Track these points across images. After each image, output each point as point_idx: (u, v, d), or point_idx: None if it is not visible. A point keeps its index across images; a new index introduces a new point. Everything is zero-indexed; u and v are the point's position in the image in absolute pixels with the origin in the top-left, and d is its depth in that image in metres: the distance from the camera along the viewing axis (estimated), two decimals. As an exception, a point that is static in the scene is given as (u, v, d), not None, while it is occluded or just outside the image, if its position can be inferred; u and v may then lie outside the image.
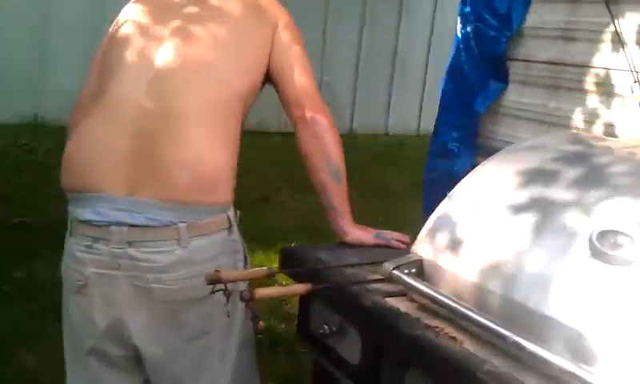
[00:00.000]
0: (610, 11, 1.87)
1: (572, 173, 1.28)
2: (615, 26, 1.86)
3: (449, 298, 1.23)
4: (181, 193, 1.46)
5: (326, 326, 1.50)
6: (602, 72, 1.94)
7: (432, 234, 1.38)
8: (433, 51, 10.94)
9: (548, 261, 1.15)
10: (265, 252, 3.82)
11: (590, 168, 1.33)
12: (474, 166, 1.68)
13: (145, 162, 1.45)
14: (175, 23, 1.57)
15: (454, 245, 1.32)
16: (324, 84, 9.90)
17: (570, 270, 1.12)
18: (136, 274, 1.46)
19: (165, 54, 1.53)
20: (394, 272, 1.34)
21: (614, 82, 1.91)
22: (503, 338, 1.09)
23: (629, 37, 1.85)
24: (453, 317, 1.20)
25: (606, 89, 1.93)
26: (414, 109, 11.12)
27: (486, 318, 1.14)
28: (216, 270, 1.30)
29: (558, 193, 1.25)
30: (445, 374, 1.13)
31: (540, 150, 1.45)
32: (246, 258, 1.60)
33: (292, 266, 1.61)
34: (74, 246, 1.50)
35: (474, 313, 1.17)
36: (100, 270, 1.47)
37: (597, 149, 1.48)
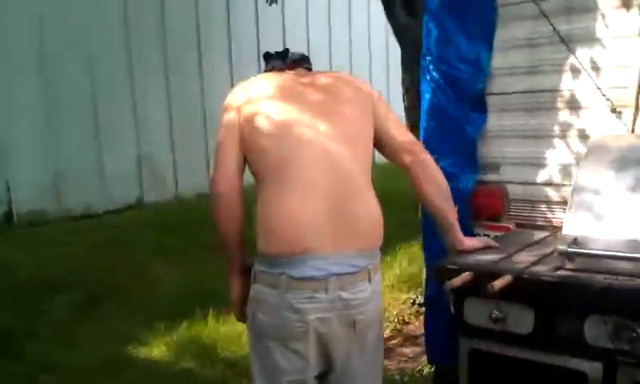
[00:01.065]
0: (567, 47, 2.60)
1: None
2: (576, 58, 2.60)
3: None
4: (368, 242, 1.91)
5: (496, 313, 1.94)
6: (566, 93, 2.67)
7: (574, 216, 1.91)
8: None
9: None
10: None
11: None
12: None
13: (340, 223, 1.86)
14: (317, 108, 1.99)
15: (595, 220, 1.87)
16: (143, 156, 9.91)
17: None
18: (344, 312, 1.85)
19: (326, 137, 1.94)
20: (569, 249, 1.85)
21: (578, 98, 2.64)
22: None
23: (585, 64, 2.59)
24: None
25: (573, 105, 2.66)
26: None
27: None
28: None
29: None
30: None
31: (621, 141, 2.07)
32: None
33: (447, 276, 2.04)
34: (292, 300, 1.82)
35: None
36: (319, 314, 1.81)
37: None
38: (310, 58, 2.25)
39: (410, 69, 5.48)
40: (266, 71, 2.17)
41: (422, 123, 3.07)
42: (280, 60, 2.17)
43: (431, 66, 3.02)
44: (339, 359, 1.92)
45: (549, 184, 2.73)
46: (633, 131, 2.45)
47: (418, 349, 4.43)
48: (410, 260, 6.40)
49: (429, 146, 2.99)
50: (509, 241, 2.43)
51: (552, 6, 2.66)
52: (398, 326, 4.93)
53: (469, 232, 2.86)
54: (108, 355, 4.53)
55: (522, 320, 1.92)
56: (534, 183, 2.76)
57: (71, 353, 4.46)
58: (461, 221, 2.82)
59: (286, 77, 2.09)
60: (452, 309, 2.09)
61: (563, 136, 2.69)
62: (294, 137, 1.92)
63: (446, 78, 2.94)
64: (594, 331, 1.80)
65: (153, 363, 4.46)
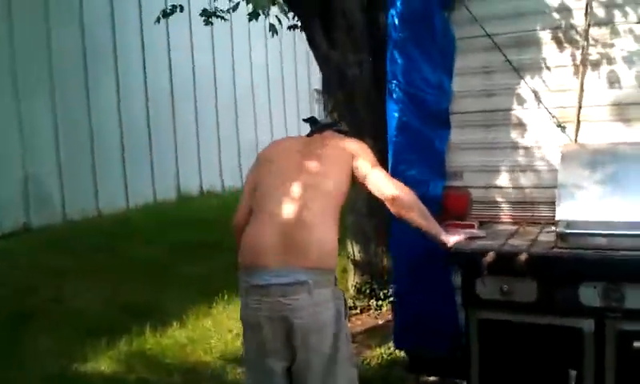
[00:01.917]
0: (519, 75, 3.19)
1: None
2: (525, 83, 3.18)
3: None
4: (312, 263, 2.48)
5: (505, 287, 2.41)
6: (518, 112, 3.24)
7: (565, 202, 2.43)
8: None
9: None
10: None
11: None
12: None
13: (290, 246, 2.47)
14: (300, 163, 2.69)
15: (585, 204, 2.41)
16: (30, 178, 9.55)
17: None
18: (282, 314, 2.44)
19: (296, 182, 2.61)
20: (566, 230, 2.36)
21: (528, 116, 3.22)
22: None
23: (533, 87, 3.18)
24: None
25: (523, 121, 3.24)
26: (119, 186, 11.37)
27: None
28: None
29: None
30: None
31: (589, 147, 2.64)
32: (345, 302, 2.63)
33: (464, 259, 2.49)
34: (249, 301, 2.51)
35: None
36: (265, 313, 2.47)
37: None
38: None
39: (332, 91, 5.98)
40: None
41: (392, 138, 3.53)
42: (312, 125, 3.03)
43: (397, 90, 3.48)
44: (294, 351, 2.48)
45: (505, 187, 3.28)
46: (576, 142, 3.06)
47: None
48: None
49: (399, 157, 3.49)
50: (491, 232, 2.93)
51: (503, 40, 3.24)
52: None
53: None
54: (56, 372, 4.50)
55: (527, 291, 2.40)
56: (493, 186, 3.31)
57: (13, 372, 4.38)
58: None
59: (297, 139, 3.06)
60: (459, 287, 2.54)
61: (516, 147, 3.26)
62: (274, 181, 2.64)
63: (413, 100, 3.42)
64: (587, 295, 2.32)
65: (106, 377, 4.50)
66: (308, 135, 2.98)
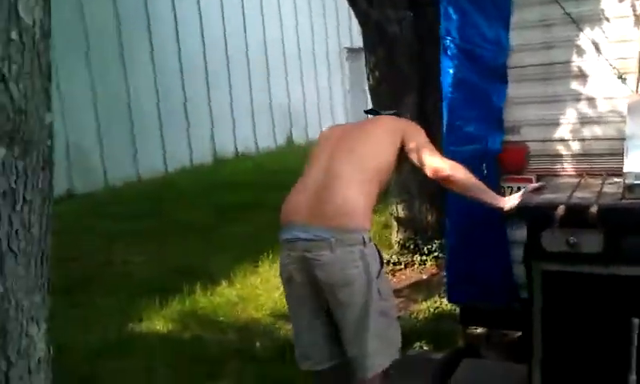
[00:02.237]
0: (578, 27, 3.16)
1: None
2: (584, 35, 3.16)
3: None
4: (335, 221, 2.62)
5: (573, 239, 2.44)
6: (577, 64, 3.22)
7: (633, 154, 2.43)
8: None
9: None
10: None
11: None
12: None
13: (316, 206, 2.68)
14: (348, 137, 2.94)
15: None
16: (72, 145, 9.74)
17: None
18: (307, 267, 2.65)
19: (338, 149, 2.86)
20: (634, 181, 2.37)
21: (587, 69, 3.20)
22: None
23: (592, 39, 3.15)
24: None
25: (582, 74, 3.22)
26: (158, 151, 11.52)
27: None
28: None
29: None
30: None
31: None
32: (381, 260, 2.76)
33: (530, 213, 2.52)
34: (282, 254, 2.77)
35: None
36: (293, 265, 2.70)
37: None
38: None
39: (373, 49, 5.96)
40: None
41: (447, 95, 3.54)
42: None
43: (452, 46, 3.48)
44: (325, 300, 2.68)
45: (563, 140, 3.28)
46: (637, 93, 3.04)
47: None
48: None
49: (455, 113, 3.50)
50: (553, 185, 2.95)
51: (562, -8, 3.21)
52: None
53: (498, 185, 3.39)
54: (114, 333, 4.67)
55: (594, 242, 2.43)
56: (550, 140, 3.31)
57: (74, 334, 4.55)
58: (490, 176, 3.34)
59: (354, 123, 3.27)
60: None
61: (574, 100, 3.25)
62: (319, 152, 2.90)
63: (469, 56, 3.42)
64: (654, 243, 2.35)
65: (162, 335, 4.66)
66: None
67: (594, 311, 2.48)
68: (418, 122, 5.69)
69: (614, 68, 3.12)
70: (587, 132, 3.23)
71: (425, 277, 5.30)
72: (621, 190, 2.70)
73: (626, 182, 2.38)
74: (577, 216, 2.38)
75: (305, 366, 2.85)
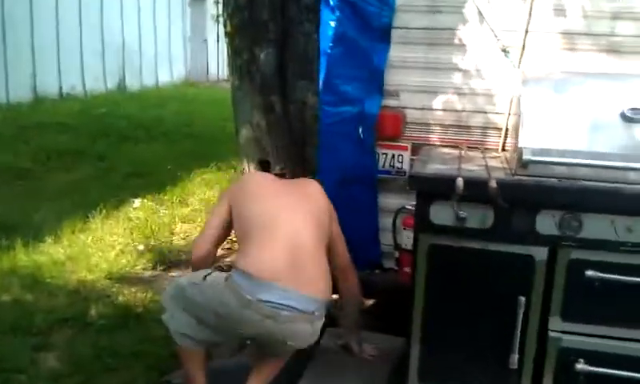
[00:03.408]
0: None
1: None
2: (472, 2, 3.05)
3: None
4: (320, 293, 2.61)
5: (462, 213, 2.33)
6: (462, 32, 3.11)
7: (528, 130, 2.36)
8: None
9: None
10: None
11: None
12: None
13: (294, 270, 2.55)
14: (291, 195, 2.83)
15: (547, 132, 2.35)
16: None
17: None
18: (278, 336, 2.57)
19: (294, 211, 2.73)
20: (532, 157, 2.29)
21: (472, 38, 3.10)
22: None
23: (483, 7, 3.06)
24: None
25: (467, 43, 3.12)
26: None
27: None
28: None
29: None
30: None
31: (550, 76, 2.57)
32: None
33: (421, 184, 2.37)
34: (252, 311, 2.50)
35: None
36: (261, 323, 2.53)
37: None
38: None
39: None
40: None
41: (325, 50, 3.29)
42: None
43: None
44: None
45: (442, 110, 3.18)
46: (519, 68, 3.00)
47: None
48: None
49: (334, 70, 3.27)
50: (430, 155, 2.83)
51: (450, -45, 3.07)
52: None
53: (373, 152, 3.23)
54: None
55: (484, 218, 2.33)
56: (429, 108, 3.19)
57: None
58: (366, 140, 3.18)
59: (272, 177, 3.05)
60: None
61: (457, 69, 3.15)
62: (270, 209, 2.70)
63: (354, 10, 3.18)
64: (544, 223, 2.29)
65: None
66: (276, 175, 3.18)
67: (479, 288, 2.39)
68: (277, 78, 5.47)
69: (499, 40, 3.07)
70: (467, 104, 3.16)
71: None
72: (506, 165, 2.66)
73: (524, 158, 2.30)
74: (472, 190, 2.26)
75: (185, 345, 2.74)
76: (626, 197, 2.22)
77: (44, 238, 4.94)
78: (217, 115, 11.35)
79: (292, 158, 5.46)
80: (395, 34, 3.19)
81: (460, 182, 2.24)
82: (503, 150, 3.08)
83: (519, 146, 2.36)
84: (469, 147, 3.08)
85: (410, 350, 2.49)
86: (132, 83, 13.97)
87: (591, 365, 2.27)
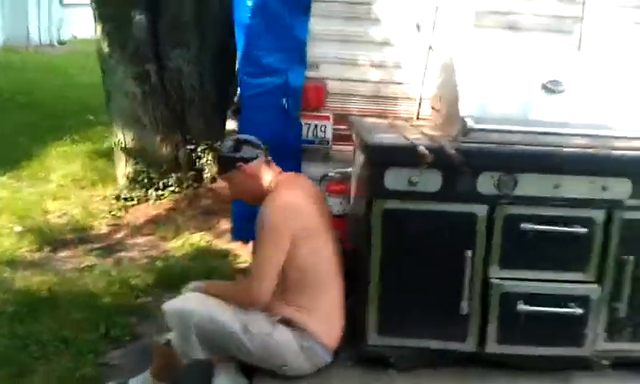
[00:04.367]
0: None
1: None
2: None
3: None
4: None
5: (414, 179, 2.56)
6: (380, 8, 3.29)
7: (467, 99, 2.62)
8: None
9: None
10: None
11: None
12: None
13: None
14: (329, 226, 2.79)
15: (483, 101, 2.64)
16: None
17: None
18: None
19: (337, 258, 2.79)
20: (475, 125, 2.55)
21: (387, 12, 3.29)
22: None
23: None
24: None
25: (383, 17, 3.31)
26: None
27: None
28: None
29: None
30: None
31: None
32: None
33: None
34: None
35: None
36: None
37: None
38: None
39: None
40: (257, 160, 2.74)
41: (243, 20, 3.30)
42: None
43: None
44: None
45: (360, 81, 3.36)
46: (430, 48, 3.27)
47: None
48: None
49: (255, 42, 3.31)
50: (364, 125, 3.00)
51: None
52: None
53: (297, 122, 3.33)
54: None
55: (432, 181, 2.57)
56: (349, 80, 3.35)
57: None
58: (291, 111, 3.30)
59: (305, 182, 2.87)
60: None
61: (374, 42, 3.33)
62: (327, 254, 2.69)
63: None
64: (484, 183, 2.58)
65: None
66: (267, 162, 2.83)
67: (429, 245, 2.63)
68: (151, 46, 5.29)
69: (412, 16, 3.30)
70: (382, 75, 3.37)
71: (163, 212, 4.97)
72: (438, 133, 2.91)
73: (468, 126, 2.55)
74: (417, 156, 2.49)
75: None
76: (554, 158, 2.57)
77: None
78: (54, 83, 10.58)
79: (171, 127, 5.38)
80: (315, 7, 3.29)
81: (424, 149, 2.45)
82: (418, 118, 3.34)
83: (460, 114, 2.62)
84: (384, 116, 3.30)
85: (368, 307, 2.68)
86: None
87: (529, 305, 2.62)
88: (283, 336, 2.56)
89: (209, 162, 5.31)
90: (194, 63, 5.37)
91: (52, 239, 4.46)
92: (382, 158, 2.57)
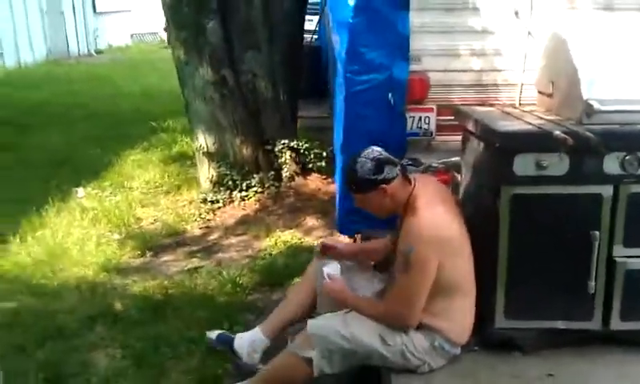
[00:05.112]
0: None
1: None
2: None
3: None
4: None
5: (545, 163, 2.62)
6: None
7: (588, 83, 2.68)
8: None
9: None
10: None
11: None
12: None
13: None
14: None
15: (604, 84, 2.69)
16: None
17: None
18: None
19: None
20: (600, 107, 2.61)
21: (486, 4, 3.36)
22: None
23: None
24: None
25: (481, 6, 3.37)
26: None
27: None
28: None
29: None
30: None
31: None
32: None
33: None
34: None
35: None
36: None
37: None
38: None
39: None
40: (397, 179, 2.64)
41: (347, 20, 3.39)
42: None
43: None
44: None
45: (462, 71, 3.43)
46: (529, 33, 3.32)
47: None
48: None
49: (358, 39, 3.40)
50: (480, 114, 3.07)
51: None
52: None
53: (403, 116, 3.41)
54: None
55: (560, 165, 2.63)
56: (450, 71, 3.43)
57: None
58: (397, 105, 3.37)
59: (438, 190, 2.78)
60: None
61: (474, 31, 3.41)
62: (466, 264, 2.68)
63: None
64: (610, 164, 2.64)
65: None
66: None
67: (556, 228, 2.69)
68: (225, 50, 5.39)
69: (510, 2, 3.36)
70: (483, 63, 3.44)
71: (251, 213, 5.10)
72: (554, 117, 2.96)
73: (594, 108, 2.61)
74: (546, 141, 2.55)
75: None
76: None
77: (7, 238, 4.60)
78: (104, 93, 10.83)
79: (249, 129, 5.50)
80: (414, 1, 3.37)
81: (561, 134, 2.51)
82: (520, 104, 3.40)
83: (584, 98, 2.67)
84: (485, 104, 3.36)
85: (496, 292, 2.76)
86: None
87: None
88: (417, 341, 2.62)
89: (287, 161, 5.42)
90: (266, 64, 5.48)
91: (151, 245, 4.61)
92: (512, 144, 2.64)
